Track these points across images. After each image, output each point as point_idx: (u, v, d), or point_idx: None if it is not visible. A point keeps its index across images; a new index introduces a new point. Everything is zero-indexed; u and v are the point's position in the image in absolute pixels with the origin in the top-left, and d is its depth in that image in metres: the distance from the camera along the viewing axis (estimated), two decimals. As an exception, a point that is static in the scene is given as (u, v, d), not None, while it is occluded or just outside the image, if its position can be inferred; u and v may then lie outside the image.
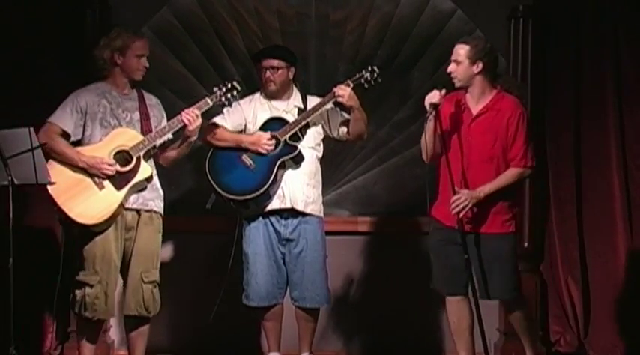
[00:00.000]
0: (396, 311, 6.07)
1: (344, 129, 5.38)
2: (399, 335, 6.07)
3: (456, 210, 4.78)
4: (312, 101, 5.37)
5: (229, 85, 5.04)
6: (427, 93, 4.84)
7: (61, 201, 4.80)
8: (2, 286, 4.97)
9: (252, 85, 5.59)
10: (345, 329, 6.06)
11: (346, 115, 5.36)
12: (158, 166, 5.08)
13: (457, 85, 4.90)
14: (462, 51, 4.86)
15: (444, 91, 4.83)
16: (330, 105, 5.29)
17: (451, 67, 4.89)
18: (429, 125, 4.84)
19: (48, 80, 5.81)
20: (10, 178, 5.02)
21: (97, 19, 5.85)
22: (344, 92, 5.22)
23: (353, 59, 6.05)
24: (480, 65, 4.84)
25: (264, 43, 5.98)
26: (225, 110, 5.29)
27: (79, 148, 4.89)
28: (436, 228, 4.98)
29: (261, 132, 5.24)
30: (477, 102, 4.90)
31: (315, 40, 6.08)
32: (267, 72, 5.28)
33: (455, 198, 4.79)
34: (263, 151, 5.20)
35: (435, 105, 4.79)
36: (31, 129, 5.00)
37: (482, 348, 4.90)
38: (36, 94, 5.76)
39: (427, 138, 4.88)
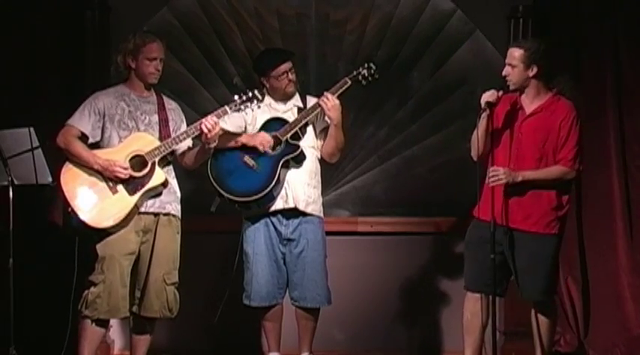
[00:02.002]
0: (396, 311, 6.07)
1: (320, 142, 5.37)
2: (399, 334, 6.07)
3: (492, 180, 4.77)
4: (311, 101, 5.36)
5: (250, 94, 4.96)
6: (483, 92, 4.83)
7: (74, 202, 4.80)
8: (3, 286, 5.01)
9: (252, 84, 5.57)
10: (345, 329, 6.06)
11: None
12: (176, 167, 5.07)
13: (511, 87, 4.88)
14: (516, 54, 4.83)
15: (501, 92, 4.82)
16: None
17: (506, 70, 4.87)
18: (482, 123, 4.83)
19: (48, 80, 5.82)
20: (10, 178, 5.05)
21: (96, 19, 5.86)
22: (328, 101, 5.18)
23: (353, 59, 6.05)
24: (535, 69, 4.83)
25: (264, 44, 5.98)
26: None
27: (96, 151, 4.87)
28: (475, 225, 4.97)
29: (262, 132, 5.24)
30: (531, 102, 4.90)
31: (315, 39, 6.08)
32: (288, 74, 5.28)
33: (495, 168, 4.79)
34: (260, 147, 5.19)
35: (490, 104, 4.79)
36: (31, 129, 5.02)
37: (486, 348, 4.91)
38: (36, 94, 5.77)
39: (479, 136, 4.86)
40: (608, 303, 5.87)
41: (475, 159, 4.95)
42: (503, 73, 4.88)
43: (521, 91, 4.91)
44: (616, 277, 5.87)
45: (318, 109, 5.25)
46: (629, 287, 5.84)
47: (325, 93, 5.22)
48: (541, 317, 5.02)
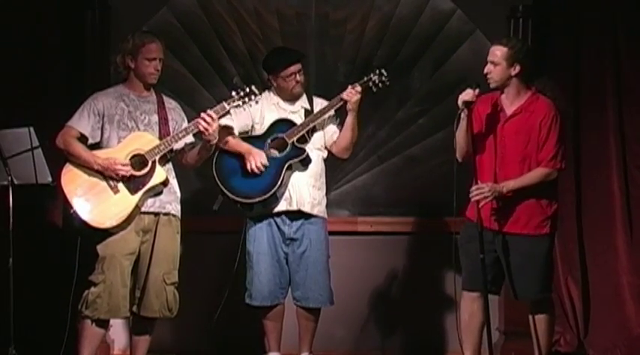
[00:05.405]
0: (396, 311, 6.08)
1: (334, 137, 5.37)
2: (400, 334, 6.08)
3: (477, 198, 4.77)
4: (318, 102, 5.38)
5: (248, 90, 4.96)
6: (460, 92, 4.81)
7: (76, 203, 4.80)
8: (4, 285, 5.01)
9: (252, 84, 5.57)
10: (345, 329, 6.06)
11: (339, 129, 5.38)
12: (176, 167, 5.07)
13: (492, 86, 4.86)
14: (499, 52, 4.80)
15: (477, 91, 4.80)
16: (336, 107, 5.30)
17: (487, 68, 4.83)
18: (462, 124, 4.82)
19: (48, 80, 5.82)
20: (9, 178, 5.06)
21: (97, 19, 5.87)
22: (353, 95, 5.23)
23: (353, 59, 6.06)
24: (518, 67, 4.80)
25: (264, 44, 5.99)
26: (232, 111, 5.25)
27: (96, 152, 4.87)
28: (467, 225, 4.96)
29: (260, 152, 5.21)
30: (511, 103, 4.87)
31: (314, 39, 6.09)
32: (297, 75, 5.28)
33: (478, 186, 4.78)
34: (250, 167, 5.14)
35: (467, 104, 4.77)
36: (31, 129, 5.03)
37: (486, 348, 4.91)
38: (36, 94, 5.76)
39: (460, 137, 4.86)
40: (608, 303, 5.87)
41: (460, 160, 4.93)
42: (485, 70, 4.85)
43: (502, 91, 4.88)
44: (616, 277, 5.87)
45: (327, 113, 5.28)
46: (629, 287, 5.84)
47: (350, 87, 5.25)
48: (539, 317, 5.00)
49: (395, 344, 6.08)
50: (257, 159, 5.18)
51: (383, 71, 5.34)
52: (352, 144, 5.37)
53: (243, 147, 5.23)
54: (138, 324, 5.06)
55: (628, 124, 5.90)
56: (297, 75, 5.28)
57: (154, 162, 4.87)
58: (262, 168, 5.17)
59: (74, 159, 4.86)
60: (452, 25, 6.04)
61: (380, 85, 5.33)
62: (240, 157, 5.22)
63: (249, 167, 5.17)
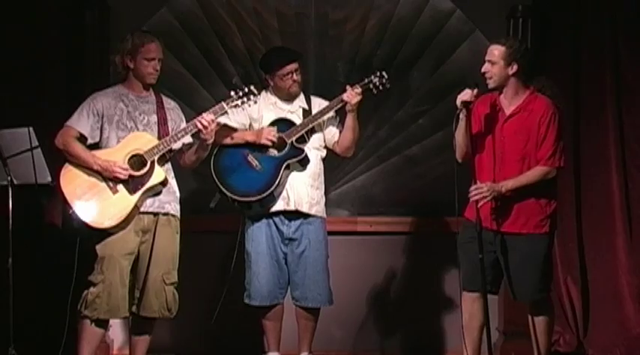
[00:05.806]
0: (396, 311, 6.08)
1: (336, 137, 5.38)
2: (400, 334, 6.08)
3: (475, 197, 4.77)
4: (316, 101, 5.38)
5: (247, 90, 4.98)
6: (459, 93, 4.81)
7: (75, 204, 4.80)
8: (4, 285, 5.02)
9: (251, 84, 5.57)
10: (345, 329, 6.06)
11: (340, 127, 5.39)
12: (175, 167, 5.07)
13: (491, 86, 4.86)
14: (496, 51, 4.81)
15: (476, 91, 4.80)
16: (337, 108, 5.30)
17: (485, 67, 4.84)
18: (460, 124, 4.82)
19: (48, 80, 5.83)
20: (9, 178, 5.06)
21: (96, 19, 5.86)
22: (353, 97, 5.22)
23: (352, 59, 6.06)
24: (515, 66, 4.80)
25: (263, 43, 5.99)
26: (229, 111, 5.19)
27: (95, 152, 4.88)
28: (465, 226, 4.95)
29: (265, 127, 5.24)
30: (510, 102, 4.87)
31: (314, 39, 6.09)
32: (294, 74, 5.28)
33: (477, 186, 4.79)
34: (268, 143, 5.19)
35: (465, 104, 4.77)
36: (31, 129, 5.03)
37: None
38: (36, 94, 5.77)
39: (459, 137, 4.86)
40: (608, 303, 5.88)
41: (460, 160, 4.93)
42: (483, 69, 4.85)
43: (500, 91, 4.88)
44: (615, 277, 5.88)
45: (327, 114, 5.28)
46: (628, 287, 5.85)
47: (349, 88, 5.24)
48: (538, 317, 5.00)
49: (395, 344, 6.08)
50: (267, 133, 5.20)
51: (384, 74, 5.33)
52: (355, 143, 5.39)
53: (250, 133, 5.25)
54: (137, 324, 5.06)
55: (628, 124, 5.90)
56: (294, 74, 5.28)
57: (152, 162, 4.87)
58: (275, 139, 5.19)
59: (73, 159, 4.86)
60: (451, 25, 6.04)
61: (380, 87, 5.33)
62: (239, 155, 5.23)
63: (264, 141, 5.18)
